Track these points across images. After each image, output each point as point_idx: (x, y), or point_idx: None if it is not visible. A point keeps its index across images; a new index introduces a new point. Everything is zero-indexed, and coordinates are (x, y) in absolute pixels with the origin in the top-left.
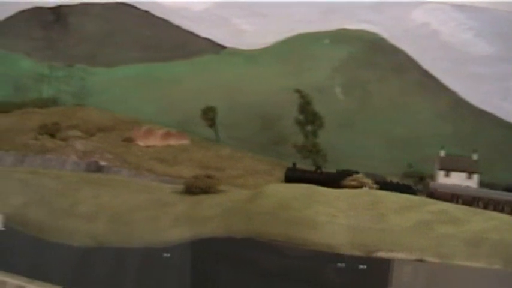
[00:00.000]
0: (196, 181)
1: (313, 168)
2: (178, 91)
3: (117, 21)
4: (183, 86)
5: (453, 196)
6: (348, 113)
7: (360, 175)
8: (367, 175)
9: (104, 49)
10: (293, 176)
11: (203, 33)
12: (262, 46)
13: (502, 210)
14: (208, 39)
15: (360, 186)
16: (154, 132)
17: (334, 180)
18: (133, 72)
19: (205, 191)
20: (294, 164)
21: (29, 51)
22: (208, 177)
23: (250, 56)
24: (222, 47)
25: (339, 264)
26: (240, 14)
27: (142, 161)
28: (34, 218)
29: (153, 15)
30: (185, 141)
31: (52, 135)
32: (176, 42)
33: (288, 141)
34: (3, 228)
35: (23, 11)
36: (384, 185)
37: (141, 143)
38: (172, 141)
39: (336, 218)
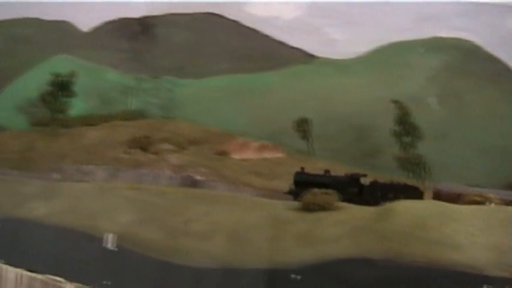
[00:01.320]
0: (314, 197)
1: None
2: (268, 102)
3: (206, 32)
4: (273, 97)
5: (459, 196)
6: (443, 123)
7: (484, 190)
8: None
9: (192, 60)
10: (301, 180)
11: (294, 43)
12: (355, 55)
13: None
14: (299, 49)
15: (483, 202)
16: (249, 144)
17: (344, 184)
18: (223, 84)
19: (324, 207)
20: (302, 168)
21: (116, 63)
22: (326, 193)
23: (342, 66)
24: (313, 57)
25: (486, 287)
26: (331, 23)
27: (239, 175)
28: (146, 237)
29: (242, 25)
30: (280, 154)
31: (144, 149)
32: (266, 53)
33: (381, 153)
34: (115, 249)
35: (109, 22)
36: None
37: (236, 156)
38: (268, 154)
39: (477, 237)
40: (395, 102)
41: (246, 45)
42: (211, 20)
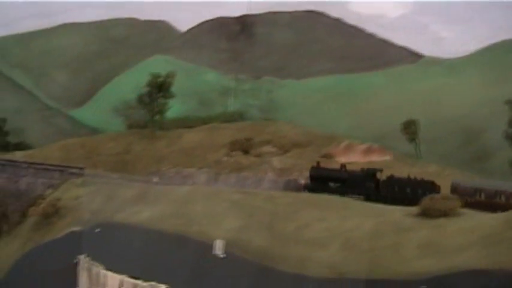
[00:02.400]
0: (435, 203)
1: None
2: (372, 103)
3: (307, 31)
4: (378, 98)
5: (476, 191)
6: None
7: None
8: None
9: (292, 60)
10: (317, 174)
11: (399, 42)
12: (463, 54)
13: None
14: (405, 48)
15: None
16: (354, 147)
17: (360, 179)
18: (324, 84)
19: (445, 214)
20: (318, 163)
21: (214, 63)
22: (446, 198)
23: (451, 65)
24: (420, 56)
25: None
26: (439, 20)
27: None
28: (256, 244)
29: (345, 23)
30: (387, 157)
31: (245, 152)
32: (370, 52)
33: (492, 156)
34: (224, 255)
35: (207, 21)
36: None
37: (341, 159)
38: (374, 158)
39: None
40: (509, 103)
41: (349, 44)
42: (313, 18)
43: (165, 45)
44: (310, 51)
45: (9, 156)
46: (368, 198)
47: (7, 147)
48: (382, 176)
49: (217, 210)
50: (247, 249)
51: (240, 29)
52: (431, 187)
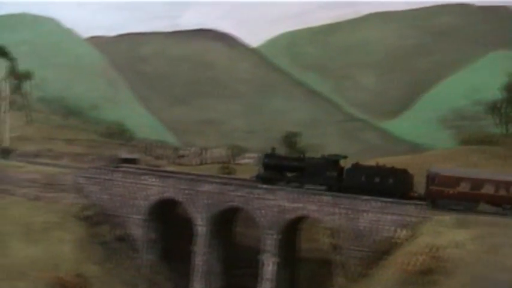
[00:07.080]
0: None
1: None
2: None
3: None
4: None
5: (458, 180)
6: None
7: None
8: None
9: None
10: (271, 163)
11: None
12: None
13: None
14: None
15: None
16: None
17: (320, 167)
18: None
19: None
20: (273, 149)
21: None
22: None
23: None
24: None
25: None
26: None
27: None
28: None
29: None
30: None
31: None
32: None
33: None
34: None
35: None
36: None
37: None
38: None
39: None
40: None
41: None
42: None
43: (509, 37)
44: None
45: None
46: (330, 188)
47: None
48: (346, 164)
49: None
50: None
51: None
52: (403, 176)
